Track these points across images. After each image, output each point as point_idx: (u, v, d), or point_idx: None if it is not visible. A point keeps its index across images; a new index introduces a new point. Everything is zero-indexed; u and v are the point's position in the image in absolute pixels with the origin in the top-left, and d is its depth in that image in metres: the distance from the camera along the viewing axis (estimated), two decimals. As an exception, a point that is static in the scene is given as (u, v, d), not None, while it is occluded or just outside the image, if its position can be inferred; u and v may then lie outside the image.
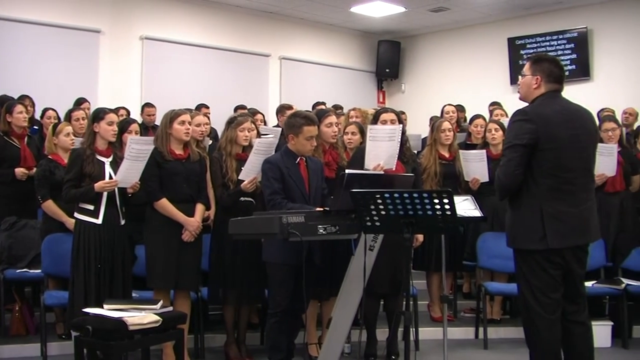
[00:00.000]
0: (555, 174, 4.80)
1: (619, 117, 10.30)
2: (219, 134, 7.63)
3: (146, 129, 10.72)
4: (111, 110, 6.48)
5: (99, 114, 6.31)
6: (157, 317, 5.46)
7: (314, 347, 6.69)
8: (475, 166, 7.72)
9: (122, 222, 6.34)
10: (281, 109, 9.97)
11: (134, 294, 6.51)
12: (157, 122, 9.75)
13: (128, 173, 6.07)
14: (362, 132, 7.18)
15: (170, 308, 5.93)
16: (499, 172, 5.00)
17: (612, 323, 7.64)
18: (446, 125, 8.14)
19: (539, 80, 4.98)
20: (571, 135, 4.81)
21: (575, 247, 4.86)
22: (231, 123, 6.72)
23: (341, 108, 11.01)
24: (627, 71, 13.07)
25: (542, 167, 4.82)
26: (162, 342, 6.14)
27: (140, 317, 5.38)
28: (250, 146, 6.62)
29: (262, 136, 7.09)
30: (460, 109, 11.61)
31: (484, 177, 7.69)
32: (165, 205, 6.27)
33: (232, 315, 6.79)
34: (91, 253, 6.12)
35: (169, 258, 6.27)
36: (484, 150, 7.86)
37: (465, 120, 11.18)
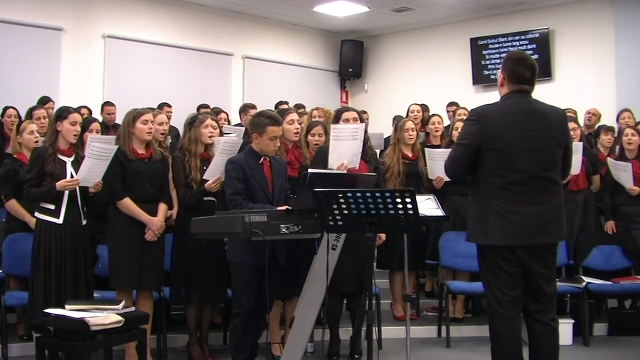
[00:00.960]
0: (502, 174, 4.82)
1: (581, 117, 10.40)
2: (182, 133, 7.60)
3: (107, 128, 10.64)
4: (75, 110, 6.41)
5: (62, 113, 6.25)
6: (119, 318, 5.43)
7: (277, 347, 6.71)
8: (440, 165, 7.70)
9: (84, 222, 6.30)
10: (244, 108, 9.96)
11: (95, 294, 6.46)
12: (118, 121, 9.68)
13: (90, 172, 6.02)
14: (327, 133, 7.17)
15: (133, 308, 5.90)
16: (445, 165, 5.15)
17: (573, 321, 7.71)
18: (409, 124, 8.17)
19: (503, 80, 5.03)
20: (523, 137, 4.80)
21: (533, 246, 4.85)
22: (193, 122, 6.70)
23: (303, 107, 11.00)
24: (587, 72, 13.17)
25: (489, 166, 4.85)
26: (125, 342, 6.11)
27: (103, 317, 5.35)
28: (213, 145, 6.61)
29: (225, 135, 7.06)
30: (424, 108, 11.66)
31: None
32: (128, 204, 6.23)
33: (195, 315, 6.77)
34: (52, 253, 6.07)
35: (131, 258, 6.23)
36: (450, 149, 7.89)
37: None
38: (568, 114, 9.49)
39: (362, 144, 6.48)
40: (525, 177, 4.82)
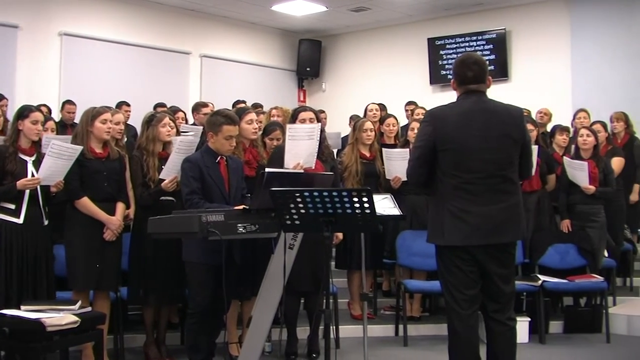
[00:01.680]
0: (456, 174, 4.85)
1: (534, 117, 10.50)
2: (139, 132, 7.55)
3: (64, 126, 10.56)
4: (36, 109, 6.33)
5: (23, 112, 6.17)
6: (75, 318, 5.39)
7: (234, 347, 6.69)
8: (397, 164, 7.74)
9: (45, 222, 6.21)
10: (196, 107, 9.84)
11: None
12: (77, 120, 9.60)
13: (51, 171, 5.94)
14: (284, 131, 7.17)
15: (89, 308, 5.86)
16: (407, 171, 5.16)
17: (529, 319, 7.79)
18: (368, 125, 8.19)
19: (454, 84, 5.08)
20: (476, 137, 4.83)
21: (489, 245, 4.87)
22: (150, 121, 6.65)
23: (261, 106, 10.99)
24: (543, 72, 13.32)
25: (444, 167, 4.88)
26: (81, 343, 6.06)
27: (59, 318, 5.30)
28: (172, 144, 6.58)
29: (182, 134, 7.03)
30: (382, 107, 11.69)
31: (405, 175, 7.73)
32: (86, 204, 6.17)
33: (152, 315, 6.73)
34: (12, 253, 5.98)
35: (90, 258, 6.17)
36: (407, 149, 7.92)
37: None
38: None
39: (318, 143, 6.48)
40: (481, 177, 4.84)
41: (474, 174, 4.84)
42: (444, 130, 4.86)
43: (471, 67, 4.98)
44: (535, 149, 7.72)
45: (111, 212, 6.29)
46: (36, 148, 6.24)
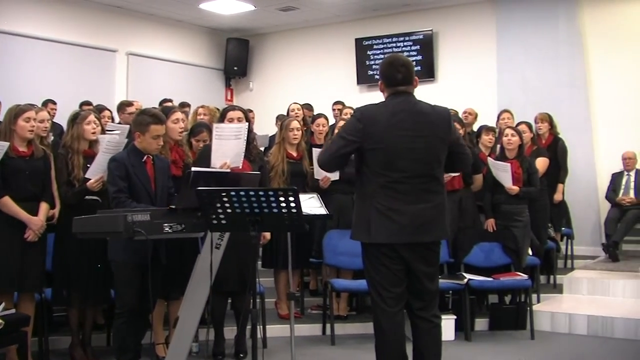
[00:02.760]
0: (384, 173, 4.89)
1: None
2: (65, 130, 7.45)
3: (-13, 125, 10.38)
4: None
5: None
6: (-2, 320, 5.32)
7: (161, 347, 6.66)
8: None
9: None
10: (121, 106, 9.73)
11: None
12: (1, 118, 9.44)
13: None
14: (210, 132, 7.14)
15: (13, 310, 5.78)
16: (319, 156, 5.19)
17: (455, 317, 7.90)
18: (295, 124, 8.19)
19: (382, 85, 5.12)
20: (405, 137, 4.87)
21: (415, 244, 4.92)
22: (75, 119, 6.58)
23: (188, 105, 10.93)
24: (470, 73, 13.46)
25: (372, 166, 4.92)
26: (5, 345, 5.95)
27: (-19, 320, 5.23)
28: (98, 143, 6.51)
29: (107, 133, 6.96)
30: (308, 107, 11.71)
31: (334, 175, 7.75)
32: (7, 203, 6.06)
33: (77, 317, 6.65)
34: None
35: (11, 259, 6.06)
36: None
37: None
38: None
39: (245, 143, 6.46)
40: (408, 176, 4.89)
41: (402, 173, 4.88)
42: (373, 129, 4.89)
43: (399, 69, 5.03)
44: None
45: (34, 211, 6.19)
46: None
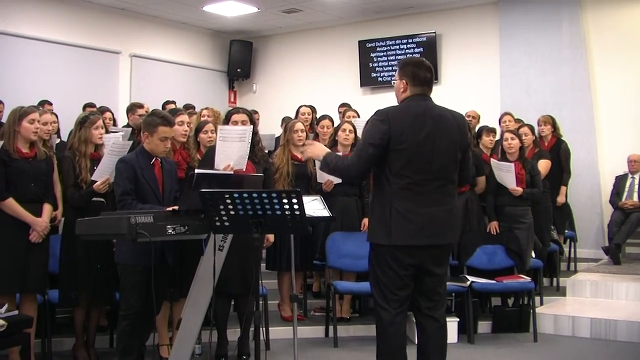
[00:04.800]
0: (406, 175, 4.89)
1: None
2: (66, 131, 7.45)
3: (-9, 126, 10.39)
4: None
5: None
6: (1, 322, 5.32)
7: (165, 349, 6.64)
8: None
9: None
10: (132, 108, 9.81)
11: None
12: (4, 119, 9.45)
13: None
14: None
15: (16, 312, 5.78)
16: (350, 164, 5.05)
17: (458, 319, 7.89)
18: (299, 126, 8.19)
19: (405, 85, 5.10)
20: (424, 139, 4.89)
21: (429, 246, 4.95)
22: (84, 123, 6.59)
23: (192, 107, 10.93)
24: (473, 75, 13.47)
25: (394, 166, 4.91)
26: (8, 347, 5.93)
27: (-17, 321, 5.23)
28: (104, 145, 6.53)
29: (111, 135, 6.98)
30: (313, 109, 11.70)
31: (337, 178, 7.74)
32: (11, 205, 6.08)
33: (82, 317, 6.67)
34: None
35: (15, 260, 6.07)
36: (339, 154, 7.93)
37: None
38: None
39: (249, 145, 6.48)
40: (428, 178, 4.92)
41: (423, 175, 4.90)
42: (399, 129, 4.89)
43: (429, 70, 5.13)
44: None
45: (37, 213, 6.21)
46: None
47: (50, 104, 10.92)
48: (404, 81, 5.11)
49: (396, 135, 4.89)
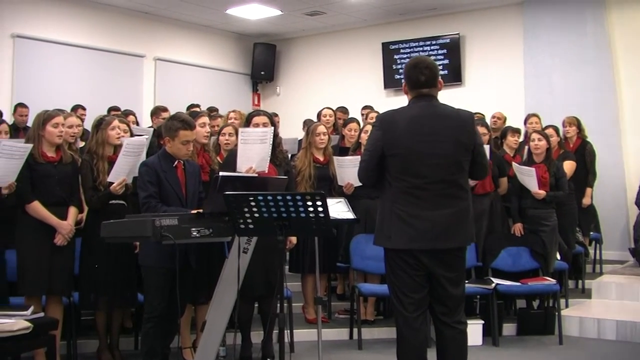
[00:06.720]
0: (404, 179, 4.86)
1: (488, 121, 10.57)
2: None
3: (17, 129, 10.47)
4: None
5: None
6: (27, 324, 5.36)
7: (188, 351, 6.67)
8: (349, 172, 7.72)
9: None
10: (156, 111, 9.88)
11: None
12: (29, 124, 9.52)
13: (3, 172, 5.88)
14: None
15: (42, 314, 5.82)
16: (358, 170, 5.14)
17: (482, 321, 7.87)
18: (321, 129, 8.18)
19: (405, 87, 5.11)
20: (425, 142, 4.85)
21: (436, 250, 4.89)
22: (99, 125, 6.61)
23: (216, 110, 10.97)
24: (496, 76, 13.43)
25: (392, 171, 4.90)
26: (34, 348, 6.00)
27: (10, 323, 5.27)
28: (121, 146, 6.55)
29: (137, 137, 6.99)
30: (342, 110, 11.70)
31: (358, 181, 7.73)
32: (37, 208, 6.13)
33: (104, 320, 6.69)
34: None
35: (40, 263, 6.11)
36: (358, 156, 7.92)
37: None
38: (476, 118, 9.71)
39: (270, 147, 6.48)
40: (429, 182, 4.86)
41: (422, 179, 4.85)
42: (392, 134, 4.88)
43: (423, 71, 4.99)
44: (486, 148, 7.80)
45: (63, 216, 6.25)
46: None
47: (84, 108, 10.97)
48: (404, 84, 5.13)
49: (390, 141, 4.88)
